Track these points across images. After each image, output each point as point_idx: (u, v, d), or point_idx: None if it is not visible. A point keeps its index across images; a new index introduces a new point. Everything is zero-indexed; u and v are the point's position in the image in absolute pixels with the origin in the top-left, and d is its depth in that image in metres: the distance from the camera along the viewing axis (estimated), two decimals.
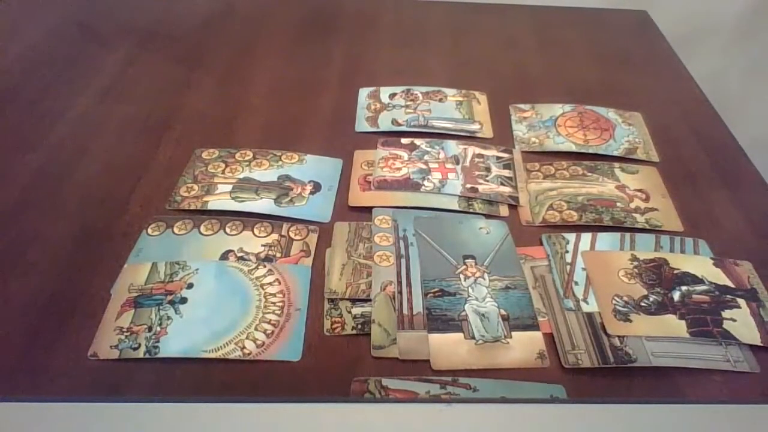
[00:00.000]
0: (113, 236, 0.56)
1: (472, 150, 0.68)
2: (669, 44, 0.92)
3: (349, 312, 0.51)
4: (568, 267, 0.55)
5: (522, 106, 0.76)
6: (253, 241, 0.56)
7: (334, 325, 0.50)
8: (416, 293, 0.52)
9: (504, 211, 0.61)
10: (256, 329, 0.49)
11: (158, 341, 0.47)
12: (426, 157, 0.66)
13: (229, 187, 0.61)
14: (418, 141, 0.69)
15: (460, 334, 0.49)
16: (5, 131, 0.68)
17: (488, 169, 0.65)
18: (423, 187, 0.63)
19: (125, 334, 0.48)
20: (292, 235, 0.57)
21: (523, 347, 0.49)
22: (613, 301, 0.52)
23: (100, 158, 0.65)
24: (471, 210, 0.61)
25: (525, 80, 0.82)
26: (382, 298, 0.52)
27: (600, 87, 0.81)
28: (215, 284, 0.52)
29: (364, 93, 0.77)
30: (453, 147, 0.68)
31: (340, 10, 0.96)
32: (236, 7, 0.95)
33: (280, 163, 0.65)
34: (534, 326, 0.50)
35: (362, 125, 0.72)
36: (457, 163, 0.66)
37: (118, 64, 0.80)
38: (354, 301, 0.52)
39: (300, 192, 0.62)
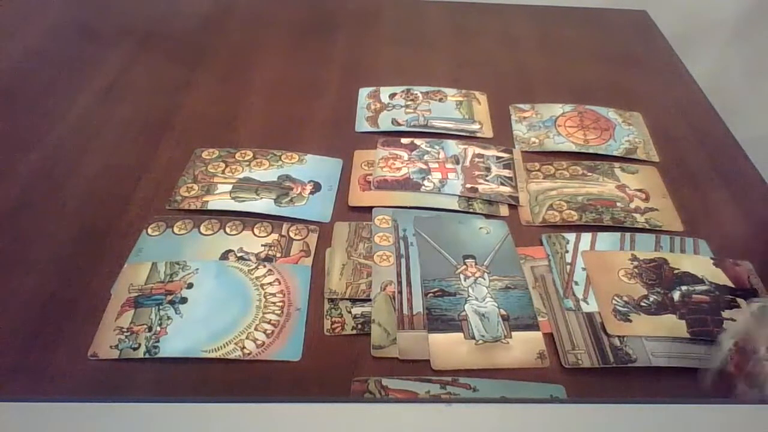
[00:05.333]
0: (113, 236, 0.56)
1: (472, 150, 0.68)
2: (669, 44, 0.92)
3: (349, 312, 0.51)
4: (568, 267, 0.55)
5: (522, 106, 0.76)
6: (253, 241, 0.56)
7: (334, 325, 0.50)
8: (416, 293, 0.52)
9: (504, 211, 0.61)
10: (256, 329, 0.49)
11: (158, 341, 0.47)
12: (426, 157, 0.66)
13: (229, 187, 0.61)
14: (418, 141, 0.69)
15: (460, 334, 0.49)
16: (5, 131, 0.68)
17: (488, 169, 0.65)
18: (423, 187, 0.63)
19: (125, 334, 0.48)
20: (292, 235, 0.57)
21: (523, 347, 0.49)
22: (613, 301, 0.52)
23: (100, 158, 0.65)
24: (471, 210, 0.61)
25: (525, 80, 0.82)
26: (382, 298, 0.52)
27: (600, 87, 0.81)
28: (215, 284, 0.52)
29: (364, 93, 0.77)
30: (453, 147, 0.68)
31: (340, 10, 0.96)
32: (236, 7, 0.95)
33: (280, 163, 0.65)
34: (534, 326, 0.50)
35: (362, 125, 0.72)
36: (457, 163, 0.66)
37: (118, 64, 0.80)
38: (354, 301, 0.52)
39: (300, 192, 0.62)
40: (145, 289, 0.51)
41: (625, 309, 0.51)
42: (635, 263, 0.56)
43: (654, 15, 0.99)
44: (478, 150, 0.68)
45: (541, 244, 0.58)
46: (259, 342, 0.48)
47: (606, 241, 0.58)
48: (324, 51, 0.85)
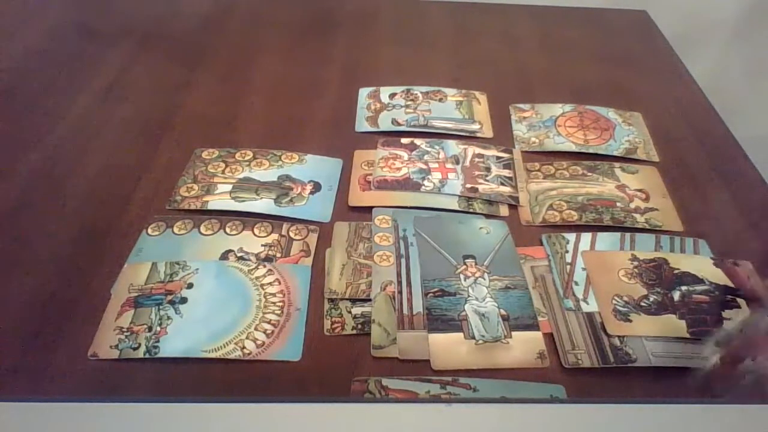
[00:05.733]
0: (113, 236, 0.56)
1: (472, 150, 0.68)
2: (669, 44, 0.92)
3: (349, 312, 0.51)
4: (568, 267, 0.55)
5: (522, 106, 0.76)
6: (253, 241, 0.56)
7: (334, 325, 0.50)
8: (416, 293, 0.52)
9: (504, 211, 0.61)
10: (256, 329, 0.49)
11: (158, 341, 0.47)
12: (426, 157, 0.66)
13: (229, 187, 0.61)
14: (418, 141, 0.69)
15: (460, 334, 0.49)
16: (5, 131, 0.68)
17: (488, 169, 0.65)
18: (423, 187, 0.63)
19: (125, 334, 0.48)
20: (292, 235, 0.57)
21: (523, 347, 0.49)
22: (613, 301, 0.52)
23: (100, 158, 0.65)
24: (471, 210, 0.61)
25: (525, 80, 0.82)
26: (382, 298, 0.52)
27: (600, 87, 0.81)
28: (215, 284, 0.52)
29: (364, 93, 0.77)
30: (453, 147, 0.68)
31: (341, 10, 0.96)
32: (236, 7, 0.95)
33: (280, 162, 0.65)
34: (534, 326, 0.50)
35: (362, 125, 0.72)
36: (457, 163, 0.66)
37: (118, 64, 0.80)
38: (354, 301, 0.52)
39: (300, 192, 0.62)
40: (145, 289, 0.51)
41: (625, 309, 0.51)
42: (635, 263, 0.56)
43: (654, 15, 0.99)
44: (478, 150, 0.68)
45: (541, 244, 0.58)
46: (259, 342, 0.48)
47: (606, 241, 0.58)
48: (324, 51, 0.85)
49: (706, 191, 0.65)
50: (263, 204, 0.60)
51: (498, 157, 0.67)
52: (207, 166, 0.64)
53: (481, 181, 0.64)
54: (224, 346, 0.47)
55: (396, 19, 0.95)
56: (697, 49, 1.07)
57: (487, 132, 0.72)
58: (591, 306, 0.52)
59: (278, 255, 0.55)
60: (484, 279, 0.53)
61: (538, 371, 0.47)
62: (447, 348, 0.48)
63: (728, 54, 1.13)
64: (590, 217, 0.60)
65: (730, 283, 0.54)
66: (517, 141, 0.71)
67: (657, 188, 0.64)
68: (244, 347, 0.47)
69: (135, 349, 0.47)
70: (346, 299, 0.52)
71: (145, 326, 0.48)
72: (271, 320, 0.50)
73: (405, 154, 0.67)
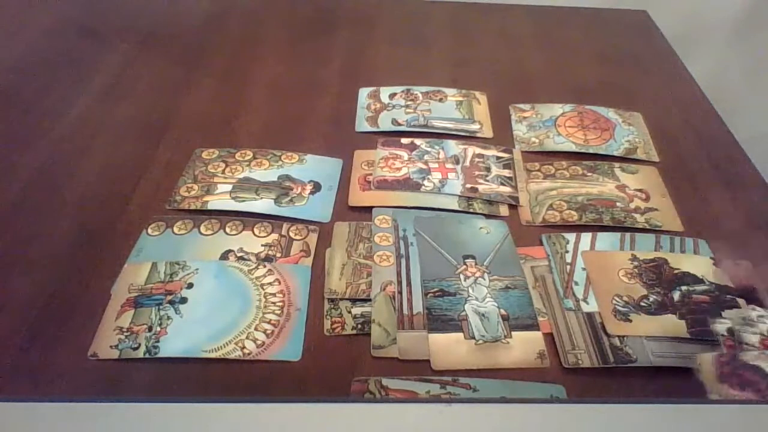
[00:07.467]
0: (113, 236, 0.56)
1: (472, 150, 0.68)
2: (669, 44, 0.92)
3: (349, 312, 0.51)
4: (568, 267, 0.55)
5: (522, 106, 0.76)
6: (253, 241, 0.56)
7: (334, 325, 0.50)
8: (416, 293, 0.52)
9: (504, 211, 0.61)
10: (256, 329, 0.49)
11: (158, 341, 0.47)
12: (426, 157, 0.66)
13: (229, 187, 0.61)
14: (418, 141, 0.69)
15: (460, 334, 0.49)
16: (5, 131, 0.68)
17: (488, 169, 0.65)
18: (423, 187, 0.63)
19: (125, 334, 0.48)
20: (292, 235, 0.57)
21: (523, 347, 0.49)
22: (613, 301, 0.52)
23: (100, 158, 0.65)
24: (471, 210, 0.61)
25: (525, 80, 0.82)
26: (382, 298, 0.52)
27: (600, 87, 0.81)
28: (215, 284, 0.52)
29: (364, 93, 0.77)
30: (453, 147, 0.68)
31: (340, 10, 0.96)
32: (236, 7, 0.95)
33: (280, 163, 0.65)
34: (534, 326, 0.50)
35: (362, 125, 0.72)
36: (457, 163, 0.66)
37: (118, 64, 0.80)
38: (354, 301, 0.52)
39: (300, 192, 0.62)
40: (145, 289, 0.51)
41: (625, 309, 0.51)
42: (635, 263, 0.56)
43: (654, 15, 0.99)
44: (478, 150, 0.68)
45: (541, 244, 0.58)
46: (259, 342, 0.48)
47: (606, 241, 0.58)
48: (324, 51, 0.85)
49: (706, 191, 0.65)
50: (263, 204, 0.60)
51: (498, 157, 0.67)
52: (207, 166, 0.64)
53: (481, 181, 0.64)
54: (224, 346, 0.47)
55: (396, 19, 0.95)
56: (697, 49, 1.07)
57: (487, 132, 0.72)
58: (591, 306, 0.52)
59: (278, 255, 0.55)
60: (484, 279, 0.53)
61: (538, 371, 0.47)
62: (447, 348, 0.48)
63: (728, 54, 1.13)
64: (590, 217, 0.60)
65: (730, 283, 0.54)
66: (517, 141, 0.71)
67: (657, 188, 0.64)
68: (244, 347, 0.47)
69: (135, 349, 0.47)
70: (346, 299, 0.52)
71: (145, 326, 0.48)
72: (271, 320, 0.50)
73: (405, 154, 0.67)
